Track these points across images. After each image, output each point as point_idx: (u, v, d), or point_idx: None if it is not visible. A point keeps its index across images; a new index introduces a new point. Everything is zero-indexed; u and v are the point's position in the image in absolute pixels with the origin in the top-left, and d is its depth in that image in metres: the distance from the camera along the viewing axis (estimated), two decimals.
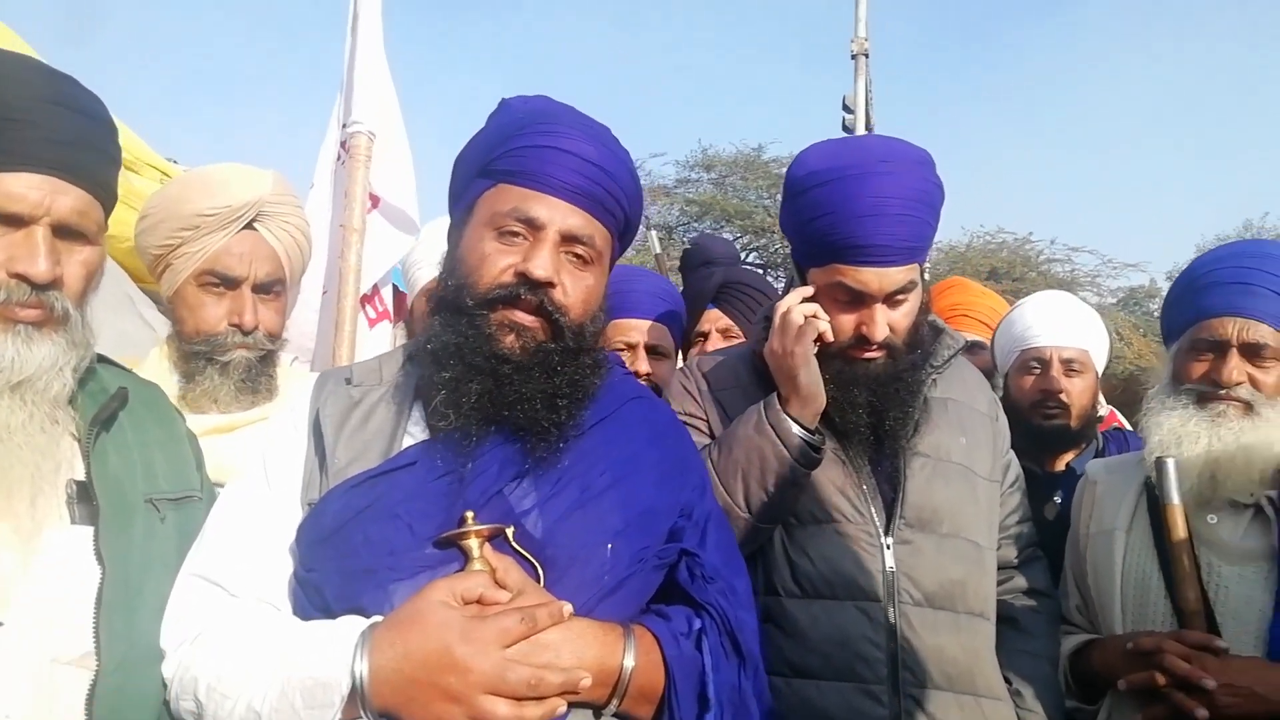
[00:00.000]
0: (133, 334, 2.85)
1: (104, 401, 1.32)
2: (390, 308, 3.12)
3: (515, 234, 1.33)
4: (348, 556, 1.21)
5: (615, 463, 1.33)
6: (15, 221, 1.20)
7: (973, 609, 1.77)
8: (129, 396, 1.38)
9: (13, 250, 1.19)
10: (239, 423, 1.79)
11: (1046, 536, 2.06)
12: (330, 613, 1.20)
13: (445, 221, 1.63)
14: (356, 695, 1.09)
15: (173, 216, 1.82)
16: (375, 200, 2.69)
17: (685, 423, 1.88)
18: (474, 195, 1.39)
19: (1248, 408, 1.72)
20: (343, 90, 2.84)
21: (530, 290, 1.30)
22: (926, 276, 1.89)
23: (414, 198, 3.16)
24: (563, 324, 1.32)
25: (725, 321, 2.70)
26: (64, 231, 1.24)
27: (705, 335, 2.70)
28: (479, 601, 1.15)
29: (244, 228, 1.85)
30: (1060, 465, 2.61)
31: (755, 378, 1.89)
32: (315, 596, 1.22)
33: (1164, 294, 2.06)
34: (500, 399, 1.27)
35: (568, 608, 1.17)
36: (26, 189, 1.20)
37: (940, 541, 1.76)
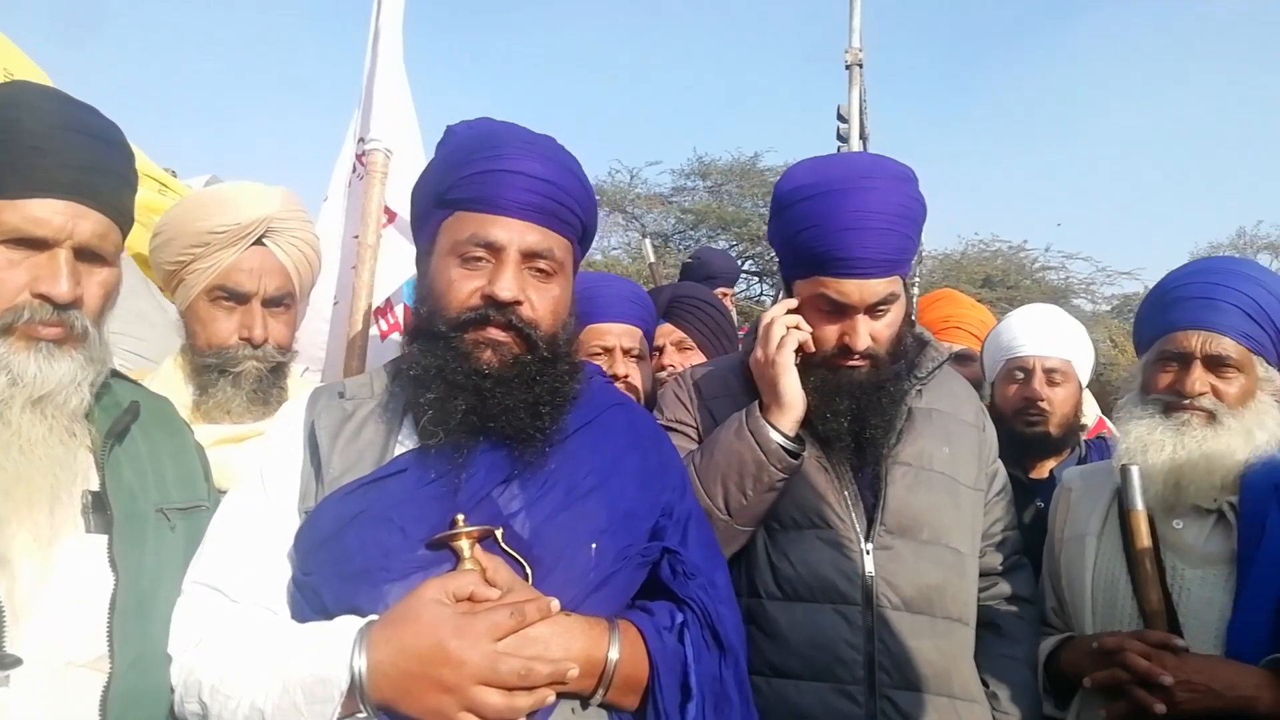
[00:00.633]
0: (149, 314, 2.92)
1: (117, 415, 1.37)
2: (402, 321, 3.14)
3: (478, 258, 1.37)
4: (344, 560, 1.25)
5: (599, 466, 1.37)
6: (39, 244, 1.25)
7: (951, 614, 1.80)
8: (140, 410, 1.42)
9: (37, 271, 1.25)
10: (249, 433, 1.82)
11: (1026, 541, 2.09)
12: (328, 614, 1.23)
13: None
14: (355, 690, 1.14)
15: (184, 234, 1.86)
16: (391, 215, 2.71)
17: (677, 429, 1.94)
18: (434, 225, 1.44)
19: (1211, 417, 1.78)
20: (360, 106, 2.83)
21: (498, 310, 1.35)
22: (915, 290, 1.95)
23: None
24: (535, 337, 1.36)
25: (678, 334, 2.84)
26: (84, 254, 1.29)
27: (660, 349, 2.80)
28: (470, 599, 1.20)
29: (253, 244, 1.88)
30: (1044, 472, 2.67)
31: (744, 386, 1.92)
32: (313, 599, 1.26)
33: None
34: (485, 412, 1.32)
35: (555, 603, 1.22)
36: (50, 214, 1.25)
37: (920, 548, 1.80)
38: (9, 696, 1.14)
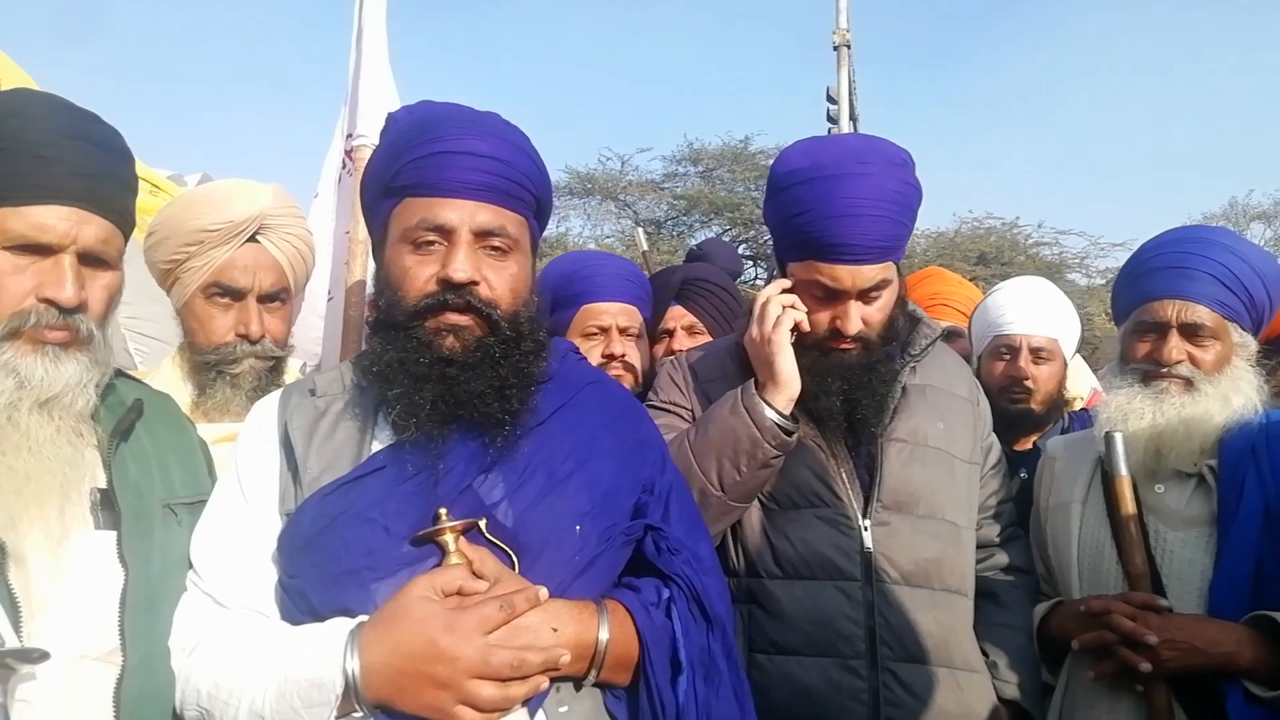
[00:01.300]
0: (148, 289, 2.94)
1: (122, 414, 1.39)
2: None
3: (430, 243, 1.35)
4: (328, 561, 1.24)
5: (577, 447, 1.36)
6: (44, 250, 1.28)
7: (949, 586, 1.83)
8: (144, 407, 1.44)
9: (42, 277, 1.27)
10: None
11: None
12: (317, 616, 1.23)
13: None
14: (350, 691, 1.14)
15: (178, 233, 1.87)
16: None
17: (672, 411, 1.96)
18: (385, 215, 1.42)
19: (1188, 384, 1.81)
20: (347, 102, 2.85)
21: (455, 293, 1.32)
22: (902, 274, 1.95)
23: None
24: (495, 317, 1.34)
25: (689, 319, 2.72)
26: (88, 259, 1.31)
27: (670, 333, 2.71)
28: (459, 593, 1.20)
29: (247, 241, 1.90)
30: (1028, 444, 2.71)
31: (739, 369, 1.93)
32: (301, 601, 1.25)
33: None
34: (453, 399, 1.30)
35: (543, 591, 1.22)
36: (55, 220, 1.27)
37: (917, 522, 1.82)
38: (28, 690, 1.17)
